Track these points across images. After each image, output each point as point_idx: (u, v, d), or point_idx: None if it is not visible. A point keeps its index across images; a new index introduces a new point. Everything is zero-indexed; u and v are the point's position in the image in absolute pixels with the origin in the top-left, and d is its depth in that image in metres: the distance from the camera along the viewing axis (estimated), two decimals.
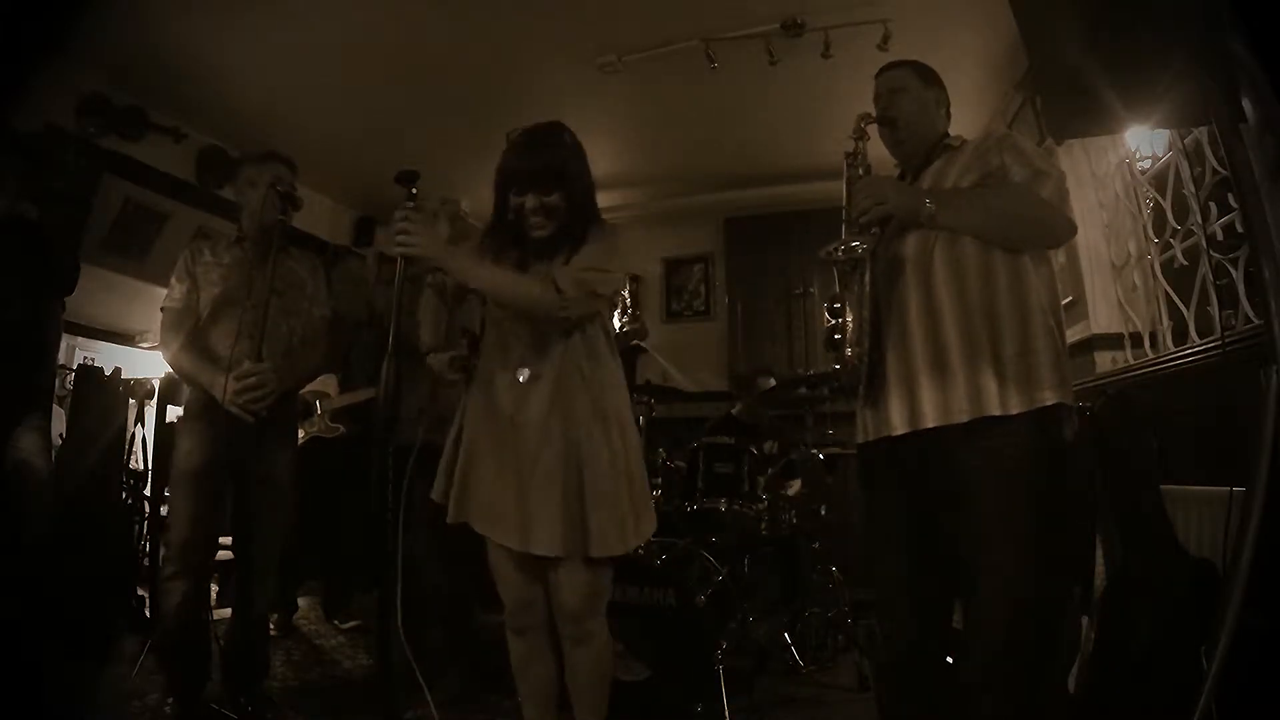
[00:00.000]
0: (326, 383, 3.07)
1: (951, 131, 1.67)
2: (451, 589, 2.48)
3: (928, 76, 1.66)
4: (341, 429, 3.03)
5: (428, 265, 1.55)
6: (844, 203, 1.55)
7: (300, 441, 3.05)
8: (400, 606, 1.55)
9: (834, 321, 1.53)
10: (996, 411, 1.36)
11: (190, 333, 2.02)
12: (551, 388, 1.56)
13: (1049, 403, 1.37)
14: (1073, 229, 1.48)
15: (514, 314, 1.59)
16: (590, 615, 1.57)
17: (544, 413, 1.55)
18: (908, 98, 1.63)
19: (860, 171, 1.58)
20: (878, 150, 1.68)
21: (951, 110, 1.69)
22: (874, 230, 1.51)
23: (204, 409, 1.97)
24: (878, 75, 1.70)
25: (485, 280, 1.55)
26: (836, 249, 1.49)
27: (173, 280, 2.09)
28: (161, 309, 2.08)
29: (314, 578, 3.46)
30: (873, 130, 1.63)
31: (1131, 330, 2.75)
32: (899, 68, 1.67)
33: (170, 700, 1.97)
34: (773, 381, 3.64)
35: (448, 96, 3.61)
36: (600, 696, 1.62)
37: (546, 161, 1.56)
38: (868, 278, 1.48)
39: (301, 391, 2.93)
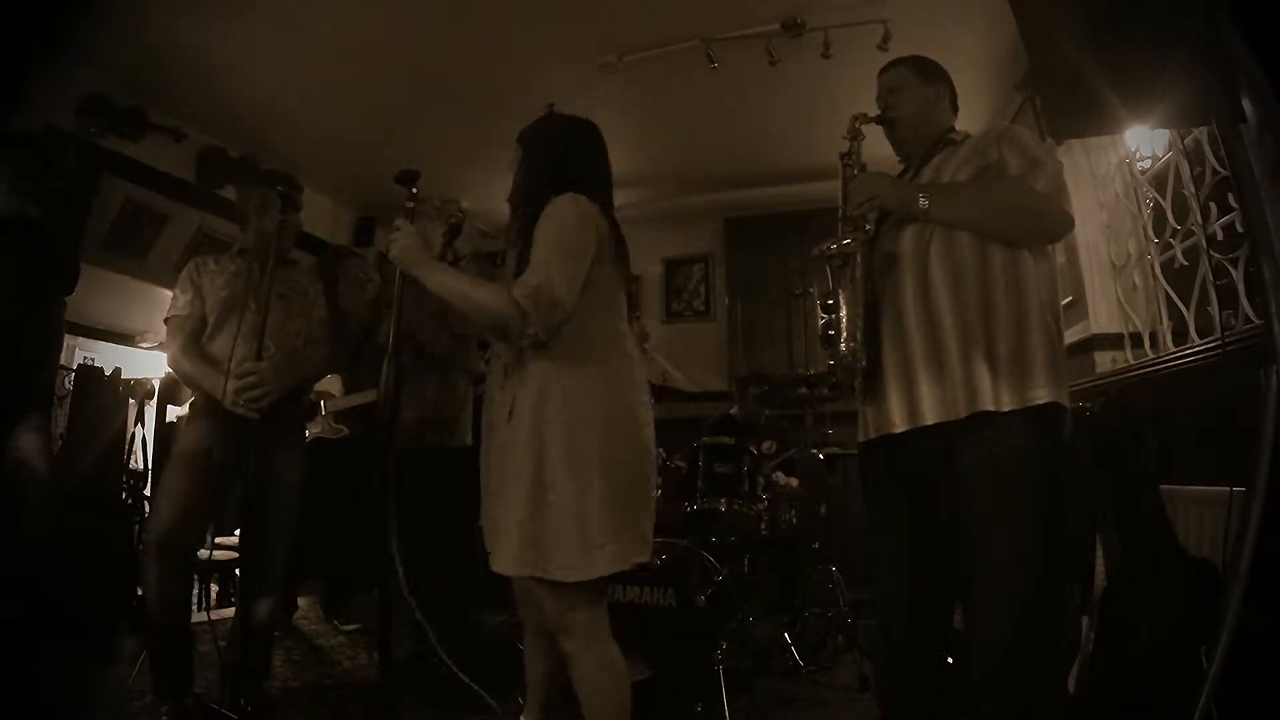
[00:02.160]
0: (331, 383, 3.08)
1: (956, 127, 1.67)
2: (454, 589, 2.49)
3: (928, 72, 1.66)
4: (345, 430, 3.03)
5: (404, 271, 1.51)
6: (840, 202, 1.55)
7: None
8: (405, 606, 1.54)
9: (827, 318, 1.53)
10: (990, 408, 1.36)
11: (194, 338, 2.04)
12: (501, 376, 1.55)
13: (1042, 401, 1.36)
14: (1070, 223, 1.47)
15: (484, 332, 1.54)
16: (561, 632, 1.44)
17: (494, 403, 1.56)
18: (907, 96, 1.63)
19: (855, 171, 1.59)
20: (880, 149, 1.68)
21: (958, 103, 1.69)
22: (866, 227, 1.51)
23: (208, 410, 1.98)
24: (880, 74, 1.70)
25: (448, 291, 1.46)
26: (829, 246, 1.49)
27: (176, 291, 2.11)
28: (166, 320, 2.11)
29: (314, 578, 3.46)
30: (869, 130, 1.64)
31: (1131, 330, 2.75)
32: (899, 66, 1.67)
33: (163, 707, 1.94)
34: (765, 388, 3.65)
35: (448, 96, 3.61)
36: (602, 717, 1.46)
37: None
38: (860, 274, 1.48)
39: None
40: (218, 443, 1.95)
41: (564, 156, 1.57)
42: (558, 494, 1.38)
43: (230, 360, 1.92)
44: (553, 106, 1.70)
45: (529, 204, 1.52)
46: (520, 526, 1.38)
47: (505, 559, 1.41)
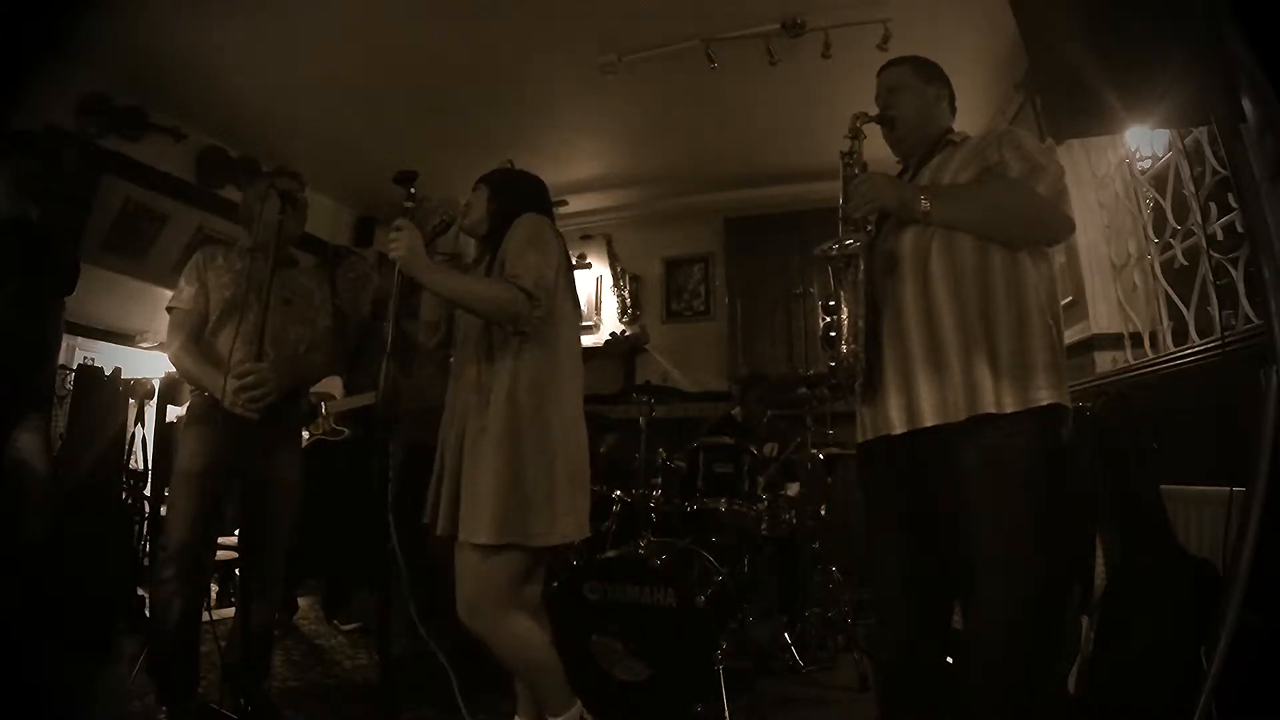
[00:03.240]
0: (331, 385, 3.07)
1: (954, 128, 1.67)
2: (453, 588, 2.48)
3: (928, 72, 1.65)
4: (346, 432, 3.03)
5: (405, 273, 1.59)
6: (840, 201, 1.55)
7: (304, 443, 3.06)
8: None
9: (829, 319, 1.53)
10: (992, 410, 1.36)
11: (195, 335, 2.03)
12: (462, 364, 1.71)
13: (1044, 402, 1.36)
14: (1070, 226, 1.47)
15: (490, 322, 1.65)
16: (469, 611, 1.58)
17: (456, 390, 1.71)
18: (907, 95, 1.63)
19: (856, 170, 1.58)
20: (879, 149, 1.67)
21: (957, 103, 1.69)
22: (869, 228, 1.51)
23: (207, 411, 1.97)
24: (879, 73, 1.70)
25: (454, 290, 1.62)
26: (831, 246, 1.49)
27: (182, 282, 2.09)
28: (169, 309, 2.09)
29: (314, 578, 3.46)
30: (870, 129, 1.63)
31: (1131, 330, 2.75)
32: (899, 65, 1.67)
33: (163, 709, 1.94)
34: (765, 388, 3.65)
35: (448, 96, 3.62)
36: (535, 688, 1.66)
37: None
38: (861, 275, 1.48)
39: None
40: (217, 447, 1.93)
41: (527, 197, 1.82)
42: (531, 470, 1.56)
43: (230, 359, 1.92)
44: (511, 162, 2.02)
45: (496, 222, 1.75)
46: (497, 501, 1.52)
47: (481, 529, 1.52)
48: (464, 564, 1.58)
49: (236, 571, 3.19)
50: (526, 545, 1.55)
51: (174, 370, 2.12)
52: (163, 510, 2.82)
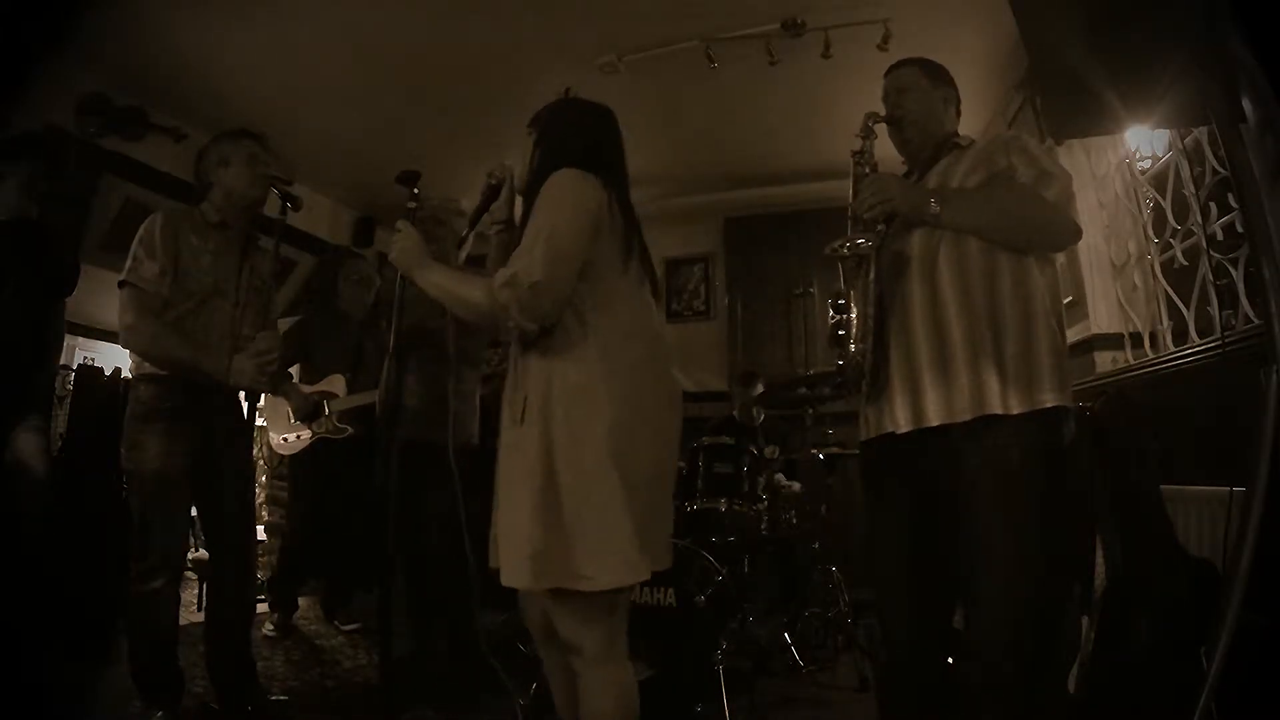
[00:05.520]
0: (334, 383, 3.07)
1: (959, 130, 1.67)
2: (454, 589, 2.48)
3: (936, 75, 1.65)
4: (349, 430, 3.03)
5: (402, 273, 1.51)
6: (850, 200, 1.55)
7: (308, 442, 3.06)
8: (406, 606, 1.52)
9: (838, 317, 1.53)
10: (998, 410, 1.36)
11: (164, 318, 1.91)
12: (513, 374, 1.45)
13: (1049, 405, 1.37)
14: (1077, 232, 1.48)
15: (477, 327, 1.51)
16: (572, 651, 1.35)
17: (506, 403, 1.45)
18: (915, 97, 1.63)
19: (867, 170, 1.58)
20: (885, 149, 1.68)
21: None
22: (879, 227, 1.51)
23: (178, 405, 1.90)
24: (886, 74, 1.69)
25: (438, 291, 1.43)
26: (842, 245, 1.49)
27: (140, 252, 1.90)
28: (123, 284, 1.90)
29: (314, 577, 3.46)
30: (880, 129, 1.63)
31: (1131, 330, 2.75)
32: (907, 66, 1.67)
33: (159, 714, 1.90)
34: (761, 388, 3.65)
35: (448, 96, 3.61)
36: None
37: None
38: (872, 275, 1.48)
39: (309, 391, 2.95)
40: (191, 443, 1.89)
41: (577, 139, 1.49)
42: (570, 498, 1.27)
43: (239, 338, 1.89)
44: (569, 91, 1.67)
45: (534, 180, 1.43)
46: (532, 536, 1.26)
47: (519, 572, 1.28)
48: (542, 604, 1.37)
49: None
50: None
51: (140, 358, 1.96)
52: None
